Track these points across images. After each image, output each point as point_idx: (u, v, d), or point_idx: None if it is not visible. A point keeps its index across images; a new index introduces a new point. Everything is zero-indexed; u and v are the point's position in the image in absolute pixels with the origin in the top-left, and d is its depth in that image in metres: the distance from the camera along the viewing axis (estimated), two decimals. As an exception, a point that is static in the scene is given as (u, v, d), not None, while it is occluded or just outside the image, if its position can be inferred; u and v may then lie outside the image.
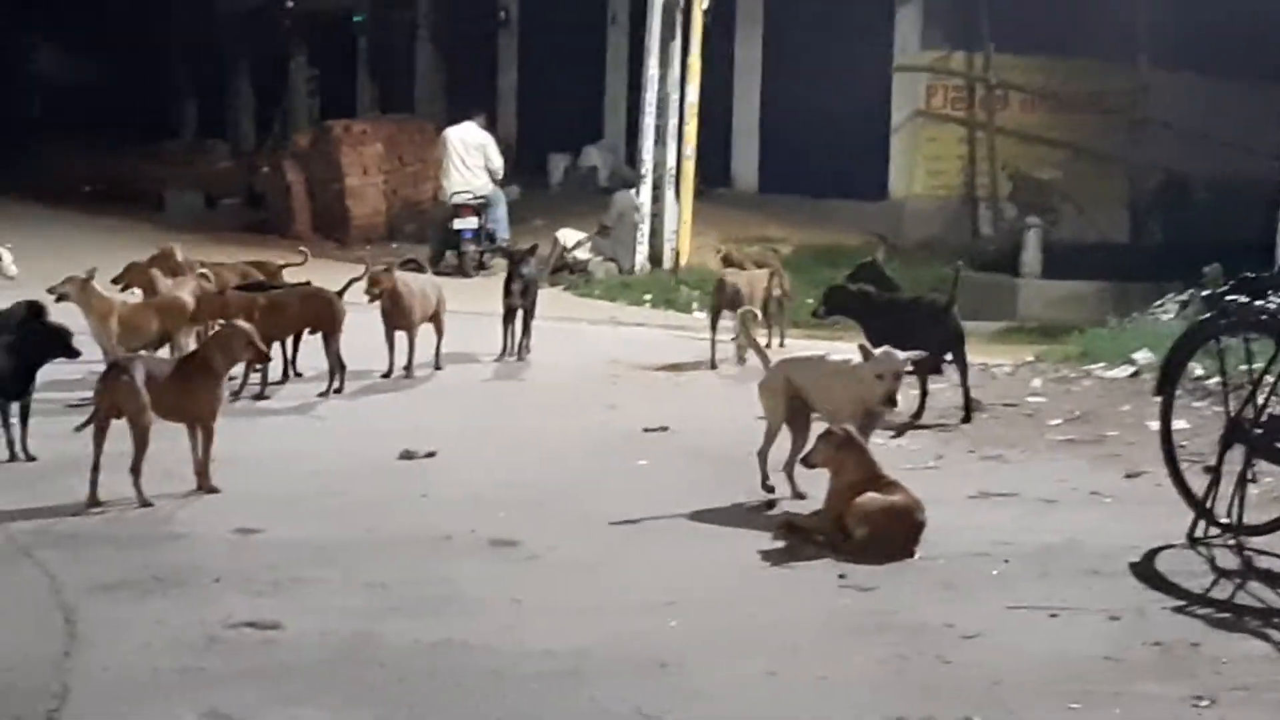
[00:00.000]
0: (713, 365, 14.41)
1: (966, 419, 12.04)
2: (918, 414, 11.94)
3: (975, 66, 23.18)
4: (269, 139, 32.28)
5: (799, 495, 9.35)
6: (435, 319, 13.64)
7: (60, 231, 25.01)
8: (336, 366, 12.45)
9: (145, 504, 9.04)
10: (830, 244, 21.11)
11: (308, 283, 13.29)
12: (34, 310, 10.54)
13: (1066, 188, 22.69)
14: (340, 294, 12.68)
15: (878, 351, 9.49)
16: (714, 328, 14.53)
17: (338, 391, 12.43)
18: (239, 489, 9.52)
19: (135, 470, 9.07)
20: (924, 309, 12.50)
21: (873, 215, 22.46)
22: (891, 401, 9.36)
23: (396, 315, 13.21)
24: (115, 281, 12.86)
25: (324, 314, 12.51)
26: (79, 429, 9.44)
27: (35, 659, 6.63)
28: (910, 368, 10.05)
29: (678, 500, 9.54)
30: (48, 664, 6.58)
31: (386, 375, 13.23)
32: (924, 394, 12.04)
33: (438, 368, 13.65)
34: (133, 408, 9.05)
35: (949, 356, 12.31)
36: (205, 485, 9.39)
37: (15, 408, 10.14)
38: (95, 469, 9.08)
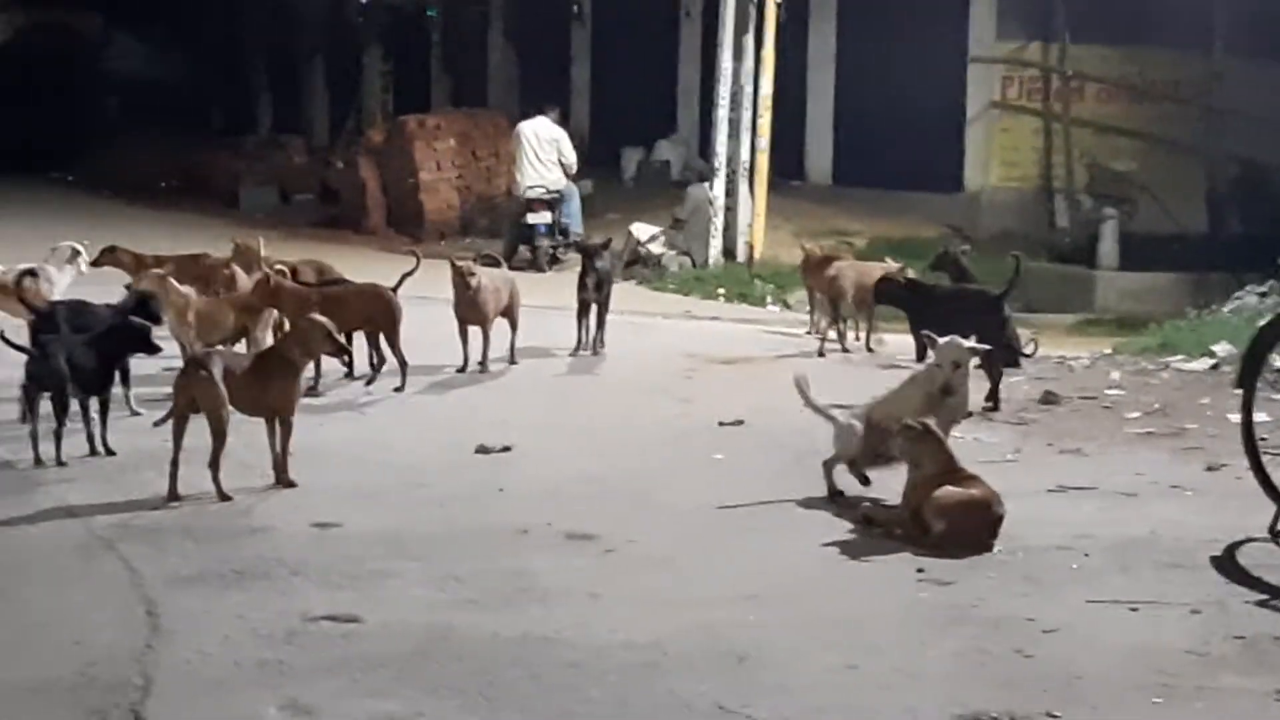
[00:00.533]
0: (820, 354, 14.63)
1: (994, 408, 11.99)
2: (993, 406, 11.89)
3: (1050, 57, 23.01)
4: (343, 134, 32.39)
5: (865, 482, 9.33)
6: (509, 314, 13.65)
7: (137, 227, 25.14)
8: (399, 363, 12.43)
9: (224, 498, 9.11)
10: (905, 237, 20.98)
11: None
12: (141, 300, 10.76)
13: (1143, 178, 22.50)
14: (395, 289, 12.61)
15: (941, 341, 9.49)
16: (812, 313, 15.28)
17: (398, 389, 12.39)
18: (316, 483, 9.57)
19: (214, 465, 9.13)
20: (973, 299, 12.62)
21: (948, 207, 22.35)
22: (948, 390, 9.34)
23: (470, 310, 13.23)
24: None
25: (381, 311, 12.48)
26: (158, 424, 9.52)
27: (118, 652, 6.67)
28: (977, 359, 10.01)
29: (754, 493, 9.54)
30: (130, 657, 6.62)
31: (461, 370, 13.25)
32: (995, 384, 12.00)
33: (512, 362, 13.66)
34: (211, 403, 9.11)
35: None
36: (283, 479, 9.44)
37: (95, 403, 10.22)
38: (174, 464, 9.15)
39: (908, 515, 8.50)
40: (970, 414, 10.27)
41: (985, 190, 22.98)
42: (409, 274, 12.72)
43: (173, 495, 9.10)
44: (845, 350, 14.74)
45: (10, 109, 37.85)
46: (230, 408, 9.17)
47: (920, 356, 11.81)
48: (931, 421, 8.80)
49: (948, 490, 8.35)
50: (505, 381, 13.18)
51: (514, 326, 13.72)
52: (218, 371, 9.15)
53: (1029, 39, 23.17)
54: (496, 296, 13.40)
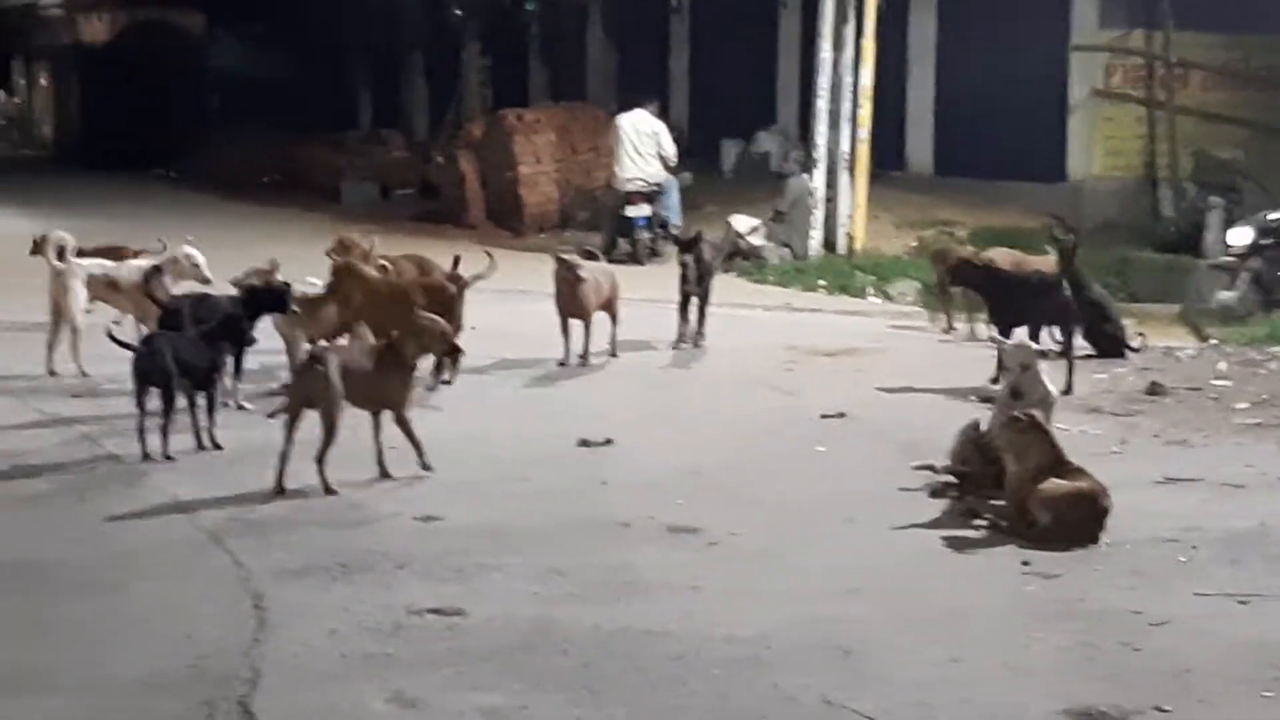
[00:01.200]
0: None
1: (1067, 391, 11.88)
2: (1066, 391, 11.83)
3: (1154, 45, 22.76)
4: (443, 129, 32.51)
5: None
6: (609, 307, 13.66)
7: (239, 222, 25.37)
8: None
9: (330, 492, 9.17)
10: (1007, 227, 20.84)
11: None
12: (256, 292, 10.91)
13: (1249, 167, 22.22)
14: (462, 287, 12.37)
15: (1009, 344, 9.49)
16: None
17: (447, 383, 12.33)
18: (417, 477, 9.61)
19: (320, 460, 9.21)
20: (1035, 283, 12.82)
21: (1050, 197, 22.12)
22: (1016, 393, 9.41)
23: (571, 304, 13.25)
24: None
25: (444, 309, 12.33)
26: (272, 415, 9.62)
27: (226, 645, 6.74)
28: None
29: (857, 486, 9.52)
30: (238, 650, 6.68)
31: (562, 364, 13.27)
32: (1070, 369, 12.27)
33: (613, 356, 13.67)
34: (326, 399, 9.21)
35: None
36: (384, 470, 9.55)
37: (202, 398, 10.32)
38: (283, 458, 9.22)
39: (1013, 508, 8.45)
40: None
41: (1088, 179, 22.74)
42: (481, 276, 12.62)
43: (279, 489, 9.19)
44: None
45: (113, 107, 38.28)
46: (344, 404, 9.25)
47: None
48: (1038, 414, 8.74)
49: (1054, 483, 8.30)
50: (606, 375, 13.18)
51: (614, 320, 13.73)
52: (335, 369, 9.24)
53: (1132, 26, 22.91)
54: (597, 290, 13.41)
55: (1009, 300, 12.56)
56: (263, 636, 6.87)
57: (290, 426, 9.25)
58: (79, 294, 12.79)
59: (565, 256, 13.47)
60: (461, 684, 6.31)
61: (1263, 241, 16.90)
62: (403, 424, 9.54)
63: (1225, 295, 16.72)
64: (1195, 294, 17.25)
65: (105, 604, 7.33)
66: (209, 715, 6.01)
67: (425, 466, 9.59)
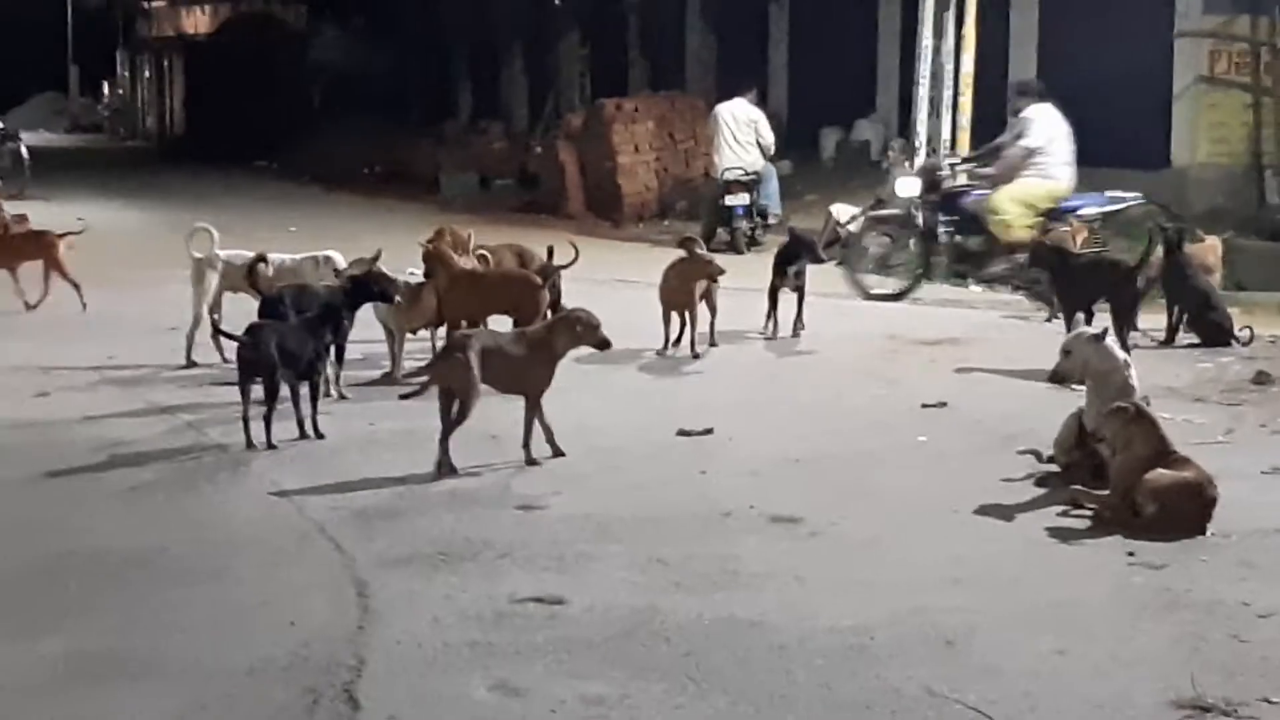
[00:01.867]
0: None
1: None
2: None
3: (1260, 30, 22.50)
4: (542, 119, 32.63)
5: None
6: (709, 298, 13.60)
7: (340, 213, 25.57)
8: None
9: (449, 471, 9.35)
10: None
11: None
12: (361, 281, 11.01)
13: (1356, 153, 21.97)
14: (545, 280, 12.40)
15: (1070, 334, 9.50)
16: None
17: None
18: (518, 467, 9.65)
19: (444, 440, 9.41)
20: (1108, 270, 13.28)
21: (1154, 184, 21.90)
22: (1058, 378, 9.45)
23: (672, 293, 13.23)
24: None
25: (524, 299, 12.28)
26: (405, 398, 9.83)
27: (331, 632, 6.78)
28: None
29: (959, 476, 9.46)
30: (343, 637, 6.72)
31: (661, 353, 13.26)
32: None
33: (712, 345, 13.64)
34: (462, 385, 9.39)
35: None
36: (530, 458, 9.75)
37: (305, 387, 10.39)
38: (444, 439, 9.41)
39: (1117, 498, 8.37)
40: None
41: (1193, 167, 22.51)
42: (565, 266, 12.64)
43: (446, 466, 9.42)
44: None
45: (216, 99, 38.66)
46: (480, 388, 9.47)
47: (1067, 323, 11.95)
48: (1143, 403, 8.67)
49: (1160, 473, 8.22)
50: (704, 364, 13.14)
51: (713, 310, 13.69)
52: (474, 355, 9.41)
53: (1237, 12, 22.66)
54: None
55: (1077, 283, 13.01)
56: (367, 624, 6.91)
57: (444, 408, 9.42)
58: (211, 284, 12.89)
59: (699, 251, 13.47)
60: (563, 672, 6.32)
61: None
62: (536, 410, 9.71)
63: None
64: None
65: (210, 592, 7.39)
66: (314, 702, 6.05)
67: (555, 451, 9.82)
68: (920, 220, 17.20)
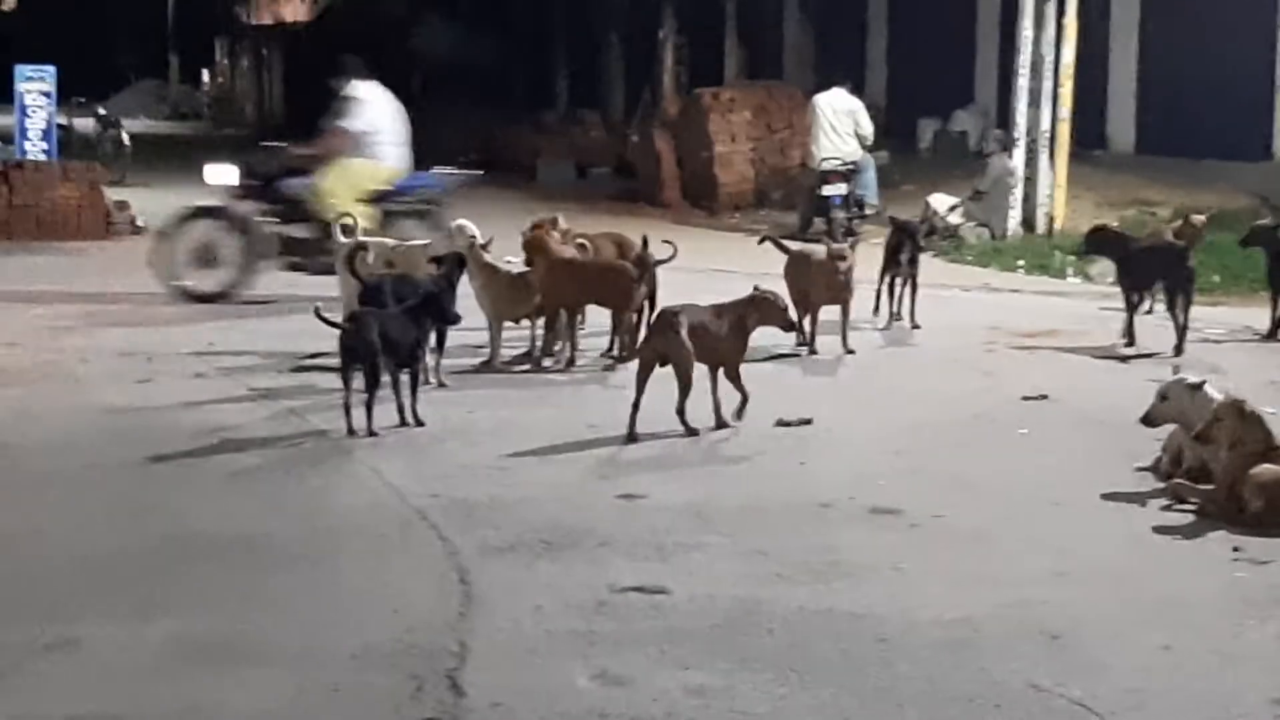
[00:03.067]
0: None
1: (1178, 351, 12.82)
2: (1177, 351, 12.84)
3: (1366, 20, 22.29)
4: (639, 108, 32.65)
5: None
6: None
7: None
8: (624, 340, 12.43)
9: (692, 433, 10.06)
10: (1211, 206, 20.46)
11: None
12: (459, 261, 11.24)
13: None
14: (644, 271, 12.38)
15: (1168, 380, 9.28)
16: None
17: (609, 369, 12.30)
18: (620, 454, 9.71)
19: (680, 411, 10.08)
20: (1163, 252, 13.86)
21: (1257, 176, 21.71)
22: (1149, 421, 9.20)
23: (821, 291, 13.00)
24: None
25: (620, 289, 12.34)
26: (608, 369, 11.04)
27: (434, 620, 6.81)
28: None
29: (1060, 469, 9.42)
30: (446, 625, 6.75)
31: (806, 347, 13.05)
32: (1180, 330, 13.05)
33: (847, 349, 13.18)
34: (678, 356, 10.03)
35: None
36: (720, 421, 10.34)
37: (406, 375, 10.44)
38: (635, 407, 9.98)
39: (1222, 493, 8.31)
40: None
41: (1296, 159, 22.32)
42: (664, 261, 12.53)
43: (631, 437, 9.96)
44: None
45: (315, 86, 38.88)
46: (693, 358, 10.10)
47: (1127, 306, 13.51)
48: (1247, 402, 8.59)
49: (1267, 468, 8.15)
50: (802, 355, 13.05)
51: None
52: (685, 328, 10.02)
53: (1342, 1, 22.44)
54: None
55: (1135, 266, 13.62)
56: (469, 612, 6.94)
57: (641, 381, 10.03)
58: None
59: (837, 246, 13.26)
60: (666, 662, 6.32)
61: None
62: (733, 378, 10.37)
63: None
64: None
65: (314, 578, 7.45)
66: (418, 689, 6.08)
67: (739, 416, 10.39)
68: (236, 211, 16.20)
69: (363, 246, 12.36)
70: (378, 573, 7.51)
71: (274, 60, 50.96)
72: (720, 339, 10.25)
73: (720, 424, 10.28)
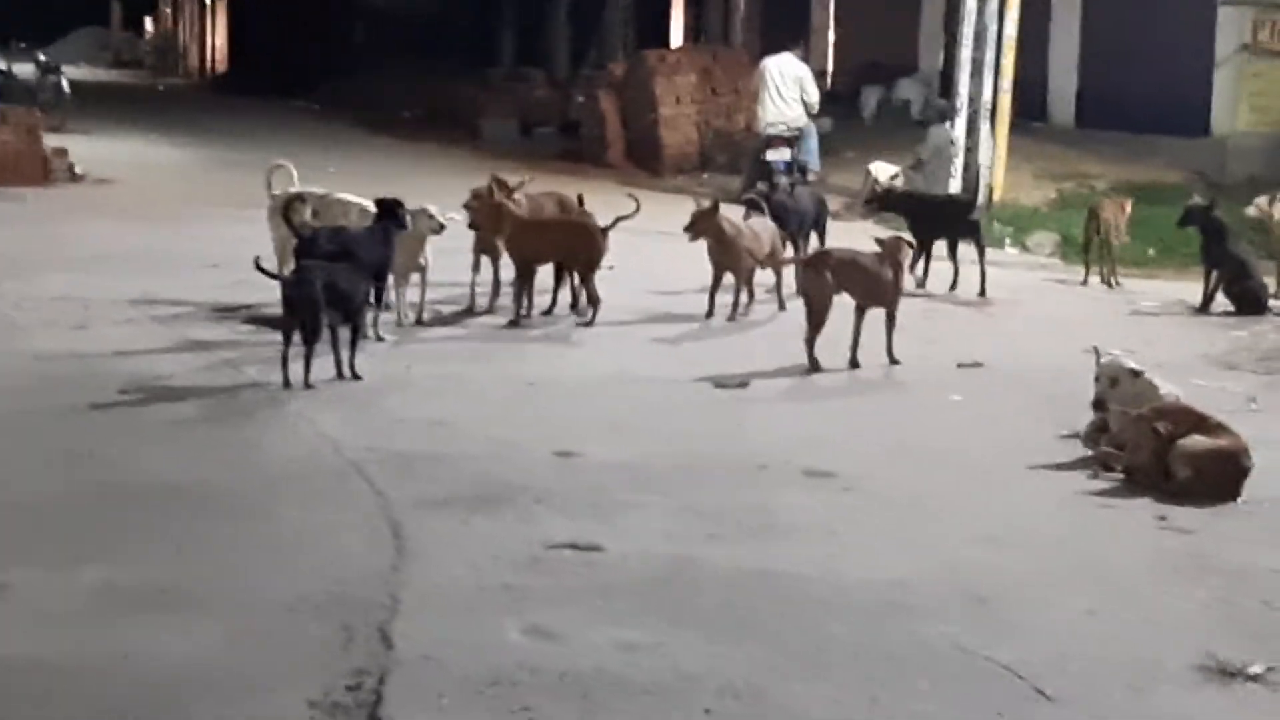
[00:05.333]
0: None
1: (982, 293, 14.48)
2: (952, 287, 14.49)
3: (1306, 0, 22.43)
4: (584, 68, 32.57)
5: None
6: (773, 260, 13.27)
7: (381, 156, 25.59)
8: (592, 300, 12.49)
9: (816, 368, 11.01)
10: (1149, 181, 20.64)
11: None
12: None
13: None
14: (606, 231, 12.49)
15: (1103, 360, 9.30)
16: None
17: (588, 324, 12.42)
18: (558, 412, 9.72)
19: (809, 343, 11.06)
20: (949, 206, 15.91)
21: (1194, 152, 21.87)
22: (1099, 405, 9.17)
23: (721, 257, 13.04)
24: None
25: (583, 245, 12.44)
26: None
27: (366, 572, 6.82)
28: None
29: (992, 435, 9.51)
30: (379, 577, 6.76)
31: (707, 316, 13.02)
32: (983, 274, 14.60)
33: (781, 308, 13.30)
34: (818, 294, 11.05)
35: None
36: (892, 359, 11.34)
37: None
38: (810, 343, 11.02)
39: (1151, 462, 8.39)
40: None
41: (1233, 135, 22.42)
42: (625, 217, 12.58)
43: (814, 367, 11.07)
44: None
45: (258, 38, 38.66)
46: (829, 298, 11.10)
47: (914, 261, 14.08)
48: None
49: (1196, 439, 8.25)
50: (742, 318, 13.09)
51: (778, 274, 13.42)
52: (829, 270, 11.09)
53: (1282, -20, 22.57)
54: (755, 243, 13.05)
55: (923, 219, 15.09)
56: (402, 565, 6.95)
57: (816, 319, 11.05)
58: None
59: (700, 208, 13.03)
60: (599, 618, 6.36)
61: None
62: (890, 320, 11.42)
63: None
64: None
65: (248, 528, 7.45)
66: (349, 639, 6.09)
67: (893, 361, 11.36)
68: None
69: (300, 198, 12.31)
70: (311, 524, 7.50)
71: (217, 9, 50.60)
72: (881, 278, 11.27)
73: (854, 363, 11.26)
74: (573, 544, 7.22)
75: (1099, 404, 9.09)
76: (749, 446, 9.10)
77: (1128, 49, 22.96)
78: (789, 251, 13.68)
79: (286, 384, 10.04)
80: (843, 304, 11.25)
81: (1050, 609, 6.62)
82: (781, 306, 13.34)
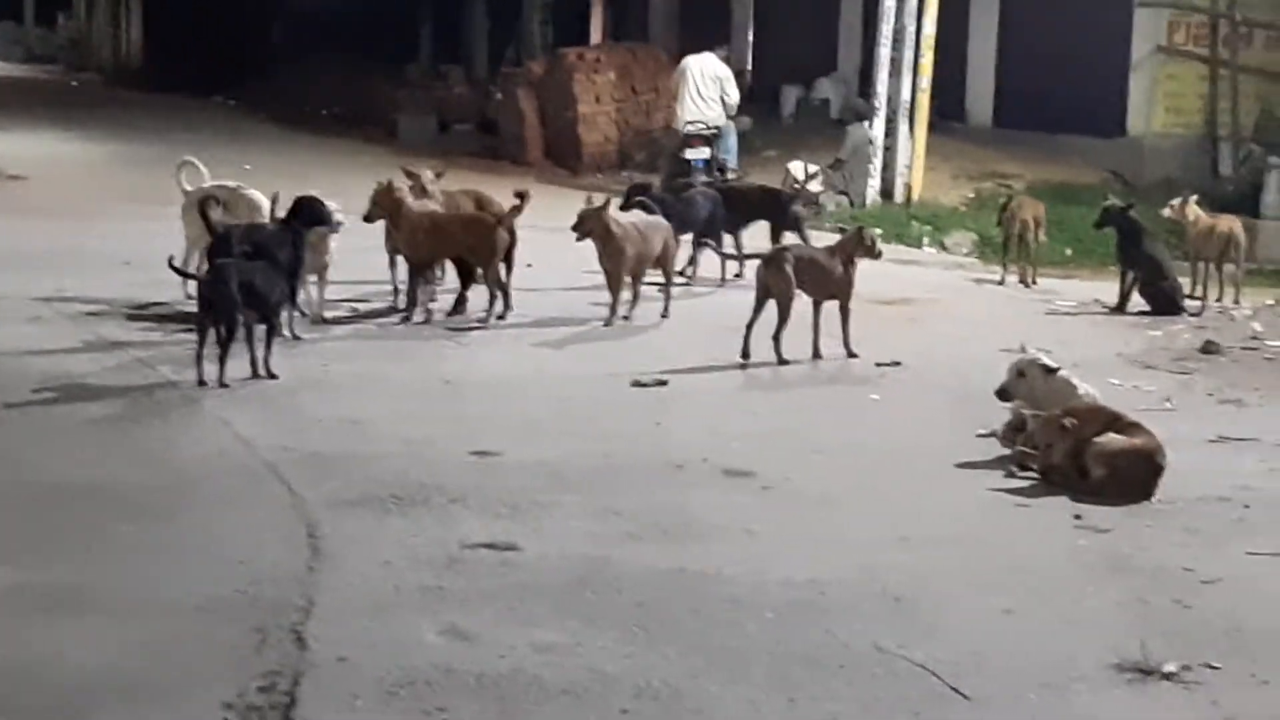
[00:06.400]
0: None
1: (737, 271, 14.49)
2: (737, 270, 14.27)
3: (1219, 3, 22.57)
4: (503, 66, 32.47)
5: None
6: (663, 263, 13.10)
7: (298, 153, 25.41)
8: (496, 292, 12.41)
9: (784, 362, 11.14)
10: (1065, 181, 20.77)
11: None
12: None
13: (1310, 128, 22.04)
14: (503, 223, 12.40)
15: (1019, 357, 9.39)
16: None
17: (500, 318, 12.35)
18: (476, 411, 9.67)
19: (776, 338, 11.19)
20: (759, 194, 15.96)
21: (1110, 152, 22.00)
22: (1002, 395, 9.28)
23: (608, 259, 12.77)
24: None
25: (482, 240, 12.34)
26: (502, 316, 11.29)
27: (280, 573, 6.77)
28: None
29: (911, 435, 9.53)
30: (292, 578, 6.72)
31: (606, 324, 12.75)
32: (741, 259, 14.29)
33: (664, 316, 13.03)
34: (781, 289, 11.24)
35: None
36: (850, 352, 11.53)
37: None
38: (749, 328, 11.24)
39: (1066, 461, 8.42)
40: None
41: (1149, 136, 22.58)
42: (516, 210, 12.47)
43: (744, 357, 11.24)
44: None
45: (174, 32, 38.36)
46: (795, 291, 11.33)
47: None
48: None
49: (1111, 438, 8.29)
50: (660, 318, 13.04)
51: (668, 277, 13.21)
52: (790, 265, 11.34)
53: (1197, -17, 22.74)
54: (643, 246, 12.82)
55: (733, 206, 15.14)
56: (317, 566, 6.91)
57: (757, 309, 11.29)
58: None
59: (588, 208, 12.75)
60: (515, 619, 6.33)
61: None
62: (844, 313, 11.64)
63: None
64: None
65: (160, 529, 7.38)
66: (262, 641, 6.04)
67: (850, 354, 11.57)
68: None
69: (214, 196, 12.20)
70: (225, 525, 7.44)
71: (132, 3, 50.13)
72: (830, 273, 11.57)
73: (817, 354, 11.48)
74: (490, 544, 7.20)
75: (1003, 393, 9.15)
76: (668, 446, 9.08)
77: (1045, 50, 23.05)
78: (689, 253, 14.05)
79: (201, 382, 9.97)
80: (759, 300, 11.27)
81: (967, 608, 6.64)
82: (664, 314, 13.02)
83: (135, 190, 14.56)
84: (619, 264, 12.64)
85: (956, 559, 7.29)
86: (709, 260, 14.56)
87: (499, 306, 12.45)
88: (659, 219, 13.55)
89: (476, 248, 12.33)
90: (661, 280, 13.12)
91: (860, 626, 6.34)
